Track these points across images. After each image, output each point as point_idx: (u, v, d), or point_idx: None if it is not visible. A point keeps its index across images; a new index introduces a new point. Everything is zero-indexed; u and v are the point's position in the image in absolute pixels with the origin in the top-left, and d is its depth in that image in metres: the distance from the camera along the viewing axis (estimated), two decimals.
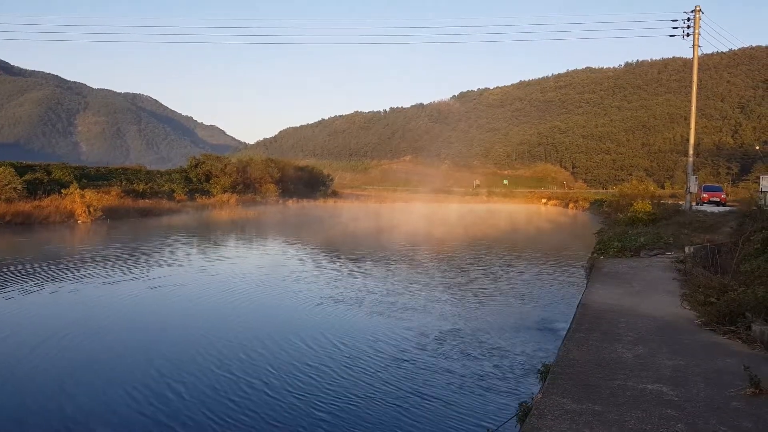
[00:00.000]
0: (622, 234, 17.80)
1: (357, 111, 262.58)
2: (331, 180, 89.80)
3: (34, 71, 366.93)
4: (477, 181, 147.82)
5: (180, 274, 15.24)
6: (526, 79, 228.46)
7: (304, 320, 10.32)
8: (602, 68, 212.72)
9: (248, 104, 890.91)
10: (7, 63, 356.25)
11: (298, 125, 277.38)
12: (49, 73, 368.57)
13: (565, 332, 9.02)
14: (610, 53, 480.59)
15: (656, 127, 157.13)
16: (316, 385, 6.95)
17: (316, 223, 37.80)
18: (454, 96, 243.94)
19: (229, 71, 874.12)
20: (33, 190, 34.81)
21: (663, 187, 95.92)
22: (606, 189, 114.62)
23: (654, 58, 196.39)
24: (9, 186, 32.37)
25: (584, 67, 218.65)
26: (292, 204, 61.49)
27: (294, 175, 73.88)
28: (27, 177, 36.80)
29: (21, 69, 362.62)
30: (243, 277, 15.16)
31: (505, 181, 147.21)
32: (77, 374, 7.18)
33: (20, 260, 16.95)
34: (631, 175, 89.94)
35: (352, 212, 53.21)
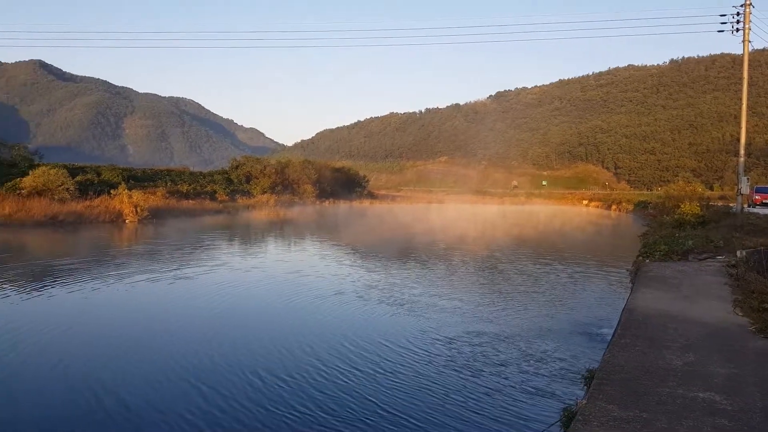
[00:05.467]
0: (668, 237, 17.31)
1: (392, 112, 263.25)
2: (367, 181, 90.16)
3: (84, 77, 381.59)
4: (515, 182, 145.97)
5: (237, 274, 15.60)
6: (566, 78, 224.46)
7: (348, 321, 10.44)
8: (646, 66, 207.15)
9: (286, 107, 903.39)
10: (60, 69, 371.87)
11: (334, 127, 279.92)
12: (98, 79, 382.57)
13: (608, 337, 8.89)
14: (654, 50, 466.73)
15: (704, 126, 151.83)
16: (356, 387, 7.02)
17: (355, 225, 38.07)
18: (491, 96, 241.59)
19: (268, 75, 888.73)
20: (84, 190, 36.24)
21: (711, 189, 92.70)
22: (651, 190, 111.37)
23: (701, 55, 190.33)
24: (62, 187, 33.78)
25: (627, 64, 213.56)
26: (329, 205, 62.05)
27: (331, 176, 74.52)
28: (79, 178, 38.33)
29: (72, 75, 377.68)
30: (291, 276, 15.41)
31: (544, 182, 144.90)
32: (148, 367, 7.45)
33: (79, 257, 17.67)
34: (677, 176, 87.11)
35: (390, 213, 53.32)
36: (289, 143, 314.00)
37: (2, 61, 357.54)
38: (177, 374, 7.20)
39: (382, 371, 7.48)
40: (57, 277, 14.16)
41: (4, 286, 12.85)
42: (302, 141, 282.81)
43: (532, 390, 6.92)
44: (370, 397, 6.58)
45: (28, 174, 33.97)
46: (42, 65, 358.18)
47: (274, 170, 63.89)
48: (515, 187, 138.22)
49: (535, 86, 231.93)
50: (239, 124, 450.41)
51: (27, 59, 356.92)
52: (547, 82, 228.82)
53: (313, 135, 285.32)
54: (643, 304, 8.51)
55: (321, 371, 7.43)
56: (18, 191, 31.85)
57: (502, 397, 6.68)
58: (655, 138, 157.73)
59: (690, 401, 4.65)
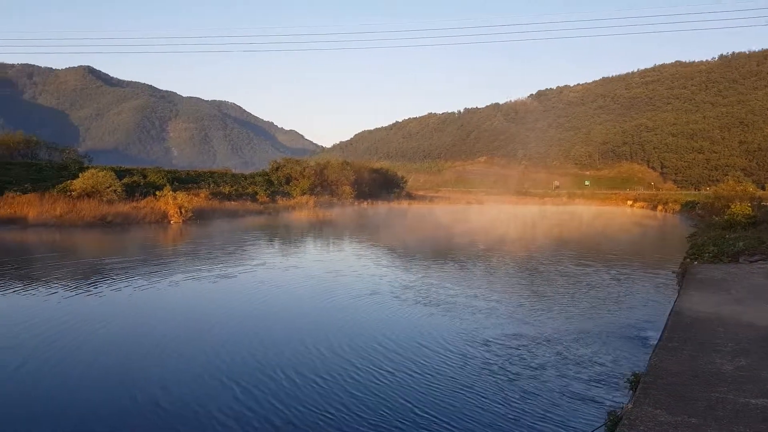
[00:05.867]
0: (718, 238, 16.69)
1: (431, 112, 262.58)
2: (405, 182, 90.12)
3: (130, 82, 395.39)
4: (556, 182, 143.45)
5: (275, 273, 15.85)
6: (609, 75, 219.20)
7: (384, 322, 10.45)
8: (693, 62, 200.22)
9: (325, 108, 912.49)
10: (107, 75, 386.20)
11: (372, 128, 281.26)
12: (143, 83, 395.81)
13: (652, 341, 8.61)
14: (702, 46, 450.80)
15: (755, 123, 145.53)
16: (390, 389, 7.01)
17: (394, 225, 38.11)
18: (532, 94, 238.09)
19: (307, 77, 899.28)
20: (131, 192, 37.46)
21: (764, 188, 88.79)
22: (699, 190, 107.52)
23: (752, 50, 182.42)
24: (110, 188, 34.99)
25: (673, 61, 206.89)
26: (367, 206, 62.29)
27: (369, 177, 74.83)
28: (125, 180, 39.63)
29: (119, 80, 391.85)
30: (330, 275, 15.55)
31: (586, 182, 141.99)
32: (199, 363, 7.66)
33: (126, 257, 18.30)
34: (726, 175, 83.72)
35: (428, 214, 53.16)
36: (328, 145, 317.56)
37: (53, 68, 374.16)
38: (212, 372, 7.32)
39: (417, 373, 7.43)
40: (104, 276, 14.68)
41: (54, 284, 13.39)
42: (341, 142, 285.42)
43: (572, 394, 6.75)
44: (404, 399, 6.54)
45: (78, 176, 35.34)
46: (90, 71, 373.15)
47: (313, 172, 64.61)
48: (557, 187, 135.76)
49: (578, 84, 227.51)
50: (279, 126, 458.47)
51: (76, 65, 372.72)
52: (590, 80, 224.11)
53: (352, 136, 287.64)
54: (691, 307, 8.22)
55: (355, 372, 7.43)
56: (69, 193, 33.15)
57: (540, 402, 6.54)
58: (704, 136, 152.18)
59: (742, 407, 4.46)
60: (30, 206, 29.00)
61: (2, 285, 13.03)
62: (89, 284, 13.39)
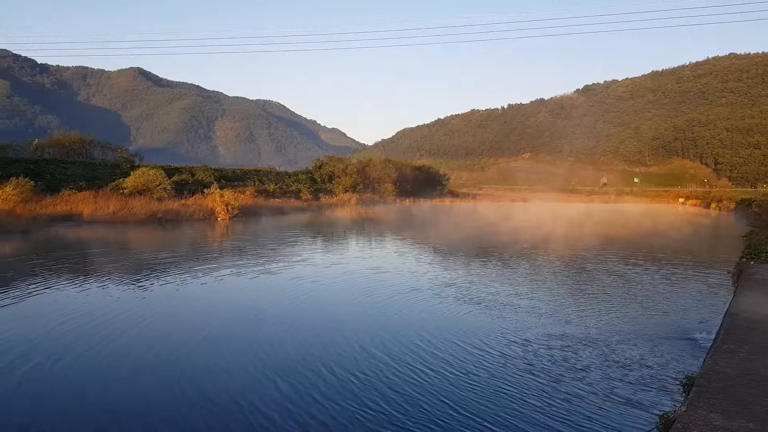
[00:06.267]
0: None
1: (474, 109, 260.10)
2: (447, 179, 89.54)
3: (179, 82, 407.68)
4: (604, 179, 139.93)
5: (317, 269, 16.02)
6: (660, 69, 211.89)
7: (423, 318, 10.39)
8: (749, 54, 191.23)
9: (367, 107, 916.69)
10: (156, 76, 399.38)
11: (414, 125, 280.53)
12: (191, 84, 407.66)
13: (704, 343, 8.26)
14: (759, 37, 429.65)
15: None
16: (429, 386, 6.94)
17: (436, 223, 37.94)
18: (578, 89, 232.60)
19: (350, 76, 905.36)
20: (180, 190, 38.61)
21: None
22: (755, 187, 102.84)
23: None
24: (160, 186, 36.12)
25: (728, 53, 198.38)
26: (409, 203, 62.22)
27: (411, 174, 74.72)
28: (175, 178, 40.86)
29: (168, 81, 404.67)
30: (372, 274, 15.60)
31: (636, 179, 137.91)
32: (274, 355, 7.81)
33: (175, 252, 18.86)
34: None
35: (471, 212, 52.69)
36: (370, 143, 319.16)
37: (105, 70, 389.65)
38: (256, 365, 7.42)
39: (456, 372, 7.32)
40: (154, 270, 15.15)
41: (107, 278, 13.90)
42: (383, 140, 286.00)
43: (618, 398, 6.52)
44: (442, 398, 6.46)
45: (129, 175, 36.64)
46: (141, 72, 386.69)
47: (355, 169, 65.03)
48: (604, 184, 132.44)
49: (626, 78, 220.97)
50: (322, 124, 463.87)
51: (127, 67, 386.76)
52: (639, 74, 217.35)
53: (394, 134, 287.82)
54: (748, 309, 7.83)
55: (393, 368, 7.39)
56: (121, 191, 34.42)
57: (584, 404, 6.33)
58: (761, 131, 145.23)
59: None
60: (85, 203, 30.27)
61: (60, 278, 13.62)
62: (140, 278, 13.85)
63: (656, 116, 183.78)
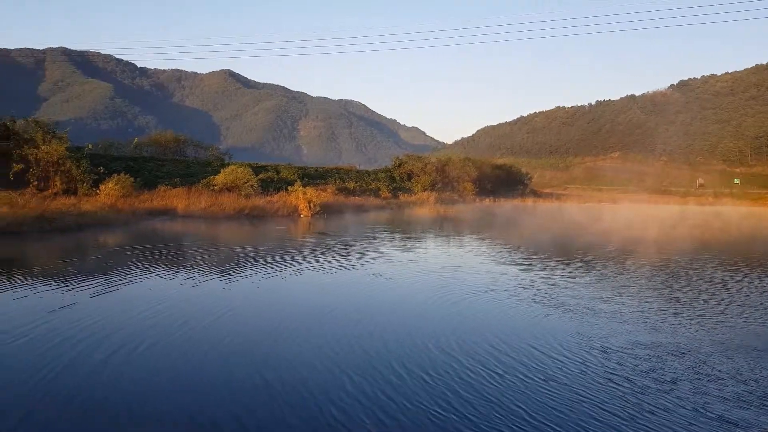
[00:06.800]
0: None
1: (558, 106, 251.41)
2: (530, 179, 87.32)
3: (265, 84, 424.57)
4: (700, 180, 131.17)
5: (393, 266, 16.18)
6: (764, 62, 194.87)
7: (498, 320, 10.21)
8: None
9: (447, 105, 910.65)
10: (245, 77, 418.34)
11: (495, 123, 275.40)
12: (277, 85, 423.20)
13: None
14: None
15: None
16: (503, 392, 6.80)
17: (518, 223, 37.13)
18: (673, 85, 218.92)
19: (429, 74, 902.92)
20: (266, 187, 40.25)
21: None
22: None
23: None
24: (248, 184, 37.84)
25: None
26: (490, 203, 61.21)
27: (491, 173, 73.55)
28: (261, 176, 42.66)
29: (255, 82, 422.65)
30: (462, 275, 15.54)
31: (736, 180, 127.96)
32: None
33: (259, 246, 19.72)
34: None
35: (555, 212, 51.04)
36: (450, 141, 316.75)
37: (198, 72, 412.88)
38: (323, 361, 7.55)
39: (530, 378, 7.09)
40: (238, 263, 15.90)
41: (193, 269, 14.75)
42: (462, 138, 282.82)
43: (709, 413, 6.07)
44: (516, 405, 6.29)
45: (219, 172, 38.64)
46: (231, 74, 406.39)
47: (434, 168, 64.87)
48: (701, 185, 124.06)
49: (726, 73, 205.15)
50: (402, 123, 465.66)
51: (218, 69, 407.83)
52: (741, 68, 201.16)
53: (474, 132, 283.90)
54: None
55: (463, 371, 7.27)
56: (212, 187, 36.37)
57: (671, 418, 5.95)
58: None
59: None
60: (179, 199, 32.28)
61: (154, 268, 14.62)
62: (224, 270, 14.59)
63: (760, 113, 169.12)
